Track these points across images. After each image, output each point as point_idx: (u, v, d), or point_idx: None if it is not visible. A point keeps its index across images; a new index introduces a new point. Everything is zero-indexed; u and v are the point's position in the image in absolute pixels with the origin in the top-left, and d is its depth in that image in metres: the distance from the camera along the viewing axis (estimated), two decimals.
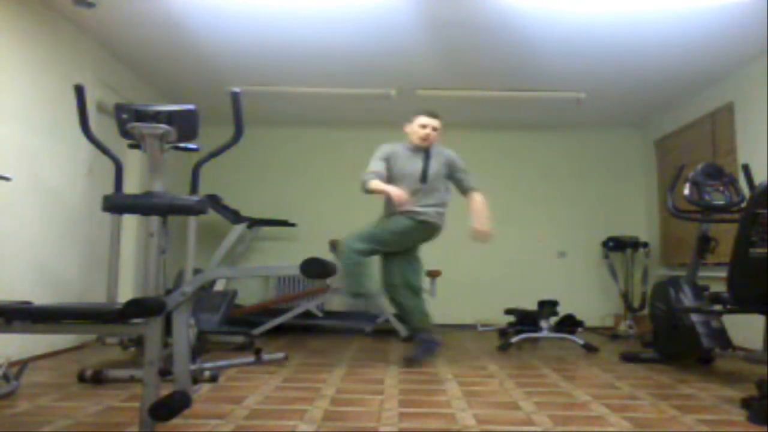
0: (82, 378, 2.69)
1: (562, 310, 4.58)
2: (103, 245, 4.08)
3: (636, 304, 5.48)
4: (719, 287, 3.01)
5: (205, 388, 2.63)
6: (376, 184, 3.42)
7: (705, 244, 3.46)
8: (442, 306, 5.66)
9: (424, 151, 3.56)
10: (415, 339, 3.55)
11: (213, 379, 2.67)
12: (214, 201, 5.02)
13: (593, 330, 5.52)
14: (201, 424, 2.01)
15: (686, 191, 3.45)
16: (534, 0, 3.42)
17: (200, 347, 3.60)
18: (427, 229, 3.54)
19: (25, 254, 3.34)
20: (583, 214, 6.03)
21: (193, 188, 3.01)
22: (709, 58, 4.23)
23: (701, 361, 3.47)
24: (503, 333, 4.78)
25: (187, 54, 4.31)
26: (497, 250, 5.97)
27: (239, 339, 3.92)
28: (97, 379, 2.67)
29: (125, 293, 4.40)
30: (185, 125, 2.48)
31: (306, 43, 4.07)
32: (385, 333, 4.99)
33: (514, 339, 4.18)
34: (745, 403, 2.30)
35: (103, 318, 1.79)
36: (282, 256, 5.95)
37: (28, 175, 3.35)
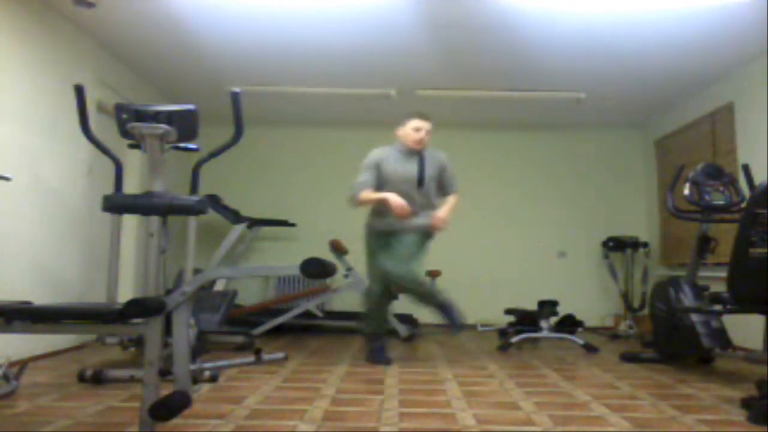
0: (82, 378, 2.69)
1: (562, 310, 4.58)
2: (103, 245, 4.08)
3: (636, 304, 5.48)
4: (719, 287, 3.01)
5: (205, 388, 2.63)
6: (366, 194, 3.43)
7: (705, 244, 3.46)
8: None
9: (417, 154, 3.55)
10: (437, 310, 3.48)
11: (213, 379, 2.67)
12: (214, 201, 5.02)
13: (593, 330, 5.52)
14: (201, 424, 2.01)
15: (686, 191, 3.45)
16: (534, 0, 3.43)
17: (200, 347, 3.59)
18: (425, 233, 3.57)
19: (25, 254, 3.34)
20: (583, 214, 6.03)
21: (193, 188, 3.00)
22: (709, 58, 4.23)
23: (701, 361, 3.47)
24: (503, 333, 4.78)
25: (187, 54, 4.32)
26: (497, 250, 5.98)
27: (239, 339, 3.92)
28: (97, 379, 2.67)
29: (125, 293, 4.40)
30: (185, 125, 2.48)
31: (306, 43, 4.07)
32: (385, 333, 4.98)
33: (514, 339, 4.18)
34: (745, 403, 2.30)
35: (103, 318, 1.79)
36: (282, 256, 5.95)
37: (28, 175, 3.35)
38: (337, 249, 4.85)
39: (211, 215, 5.32)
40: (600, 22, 3.68)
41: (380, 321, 3.59)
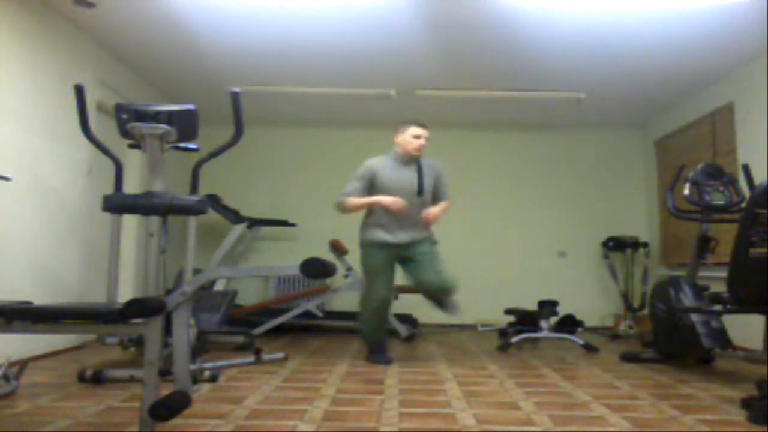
0: (82, 378, 2.69)
1: (562, 310, 4.58)
2: (103, 245, 4.08)
3: (636, 304, 5.48)
4: (719, 287, 3.01)
5: (205, 388, 2.63)
6: (353, 201, 3.43)
7: (705, 244, 3.46)
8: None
9: (414, 162, 3.54)
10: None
11: (213, 379, 2.66)
12: (214, 201, 5.02)
13: (593, 330, 5.52)
14: (201, 424, 2.01)
15: (686, 191, 3.45)
16: (534, 0, 3.43)
17: (200, 347, 3.60)
18: (432, 240, 3.65)
19: (25, 254, 3.34)
20: (583, 214, 6.03)
21: (193, 188, 3.00)
22: (709, 58, 4.23)
23: (701, 361, 3.47)
24: (503, 333, 4.78)
25: (187, 54, 4.32)
26: (497, 250, 5.98)
27: (239, 339, 3.91)
28: (97, 379, 2.67)
29: (125, 293, 4.40)
30: (185, 125, 2.48)
31: (306, 43, 4.07)
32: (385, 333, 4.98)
33: (514, 339, 4.18)
34: (745, 403, 2.30)
35: (103, 318, 1.79)
36: (282, 256, 5.95)
37: (28, 175, 3.35)
38: (337, 249, 4.85)
39: (211, 215, 5.33)
40: (600, 22, 3.68)
41: (381, 326, 3.58)
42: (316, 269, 1.73)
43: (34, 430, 1.90)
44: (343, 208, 3.47)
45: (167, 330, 2.18)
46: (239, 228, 5.15)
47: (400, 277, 3.64)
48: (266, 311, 4.99)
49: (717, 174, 3.50)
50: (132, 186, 4.54)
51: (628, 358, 3.66)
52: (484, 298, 5.80)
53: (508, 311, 4.76)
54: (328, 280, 5.51)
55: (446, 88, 4.95)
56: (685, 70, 4.48)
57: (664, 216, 5.51)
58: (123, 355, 3.54)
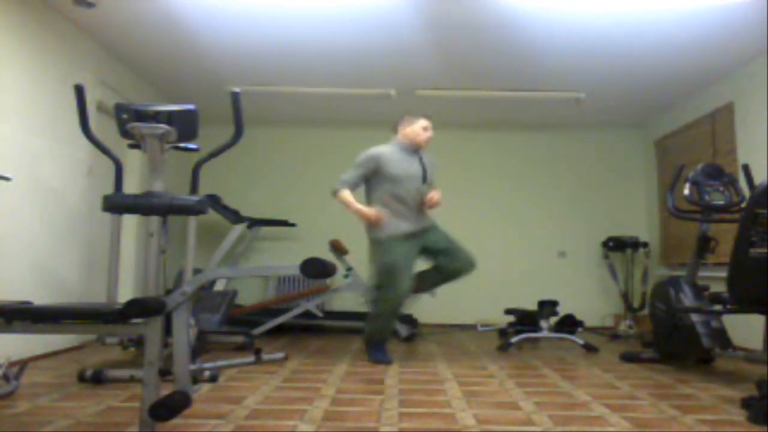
0: (82, 378, 2.69)
1: (562, 310, 4.58)
2: (103, 245, 4.08)
3: (636, 304, 5.48)
4: (719, 287, 3.02)
5: (205, 388, 2.63)
6: (347, 195, 3.47)
7: (705, 244, 3.46)
8: (442, 306, 5.67)
9: (416, 153, 3.62)
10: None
11: (213, 379, 2.67)
12: (214, 201, 5.02)
13: (593, 330, 5.52)
14: (201, 424, 2.01)
15: (686, 191, 3.45)
16: (534, 0, 3.43)
17: (200, 347, 3.60)
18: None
19: (25, 254, 3.34)
20: (583, 214, 6.03)
21: (193, 188, 3.00)
22: (709, 58, 4.23)
23: (701, 361, 3.47)
24: (503, 333, 4.78)
25: (187, 54, 4.32)
26: (497, 250, 5.97)
27: (239, 339, 3.91)
28: (97, 379, 2.67)
29: (125, 293, 4.40)
30: (185, 125, 2.48)
31: (306, 43, 4.07)
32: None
33: (514, 339, 4.18)
34: (745, 403, 2.30)
35: (103, 318, 1.79)
36: (282, 256, 5.95)
37: (28, 175, 3.35)
38: (337, 249, 4.85)
39: (211, 215, 5.33)
40: (600, 22, 3.68)
41: (392, 322, 3.58)
42: (316, 269, 1.73)
43: (34, 430, 1.90)
44: (338, 197, 3.51)
45: (167, 330, 2.18)
46: (239, 228, 5.15)
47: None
48: (266, 311, 4.98)
49: (717, 174, 3.50)
50: (132, 186, 4.54)
51: (628, 358, 3.66)
52: (484, 298, 5.80)
53: (508, 311, 4.76)
54: (328, 280, 5.51)
55: (446, 88, 4.95)
56: (685, 70, 4.48)
57: (664, 216, 5.51)
58: (123, 355, 3.54)
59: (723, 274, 2.58)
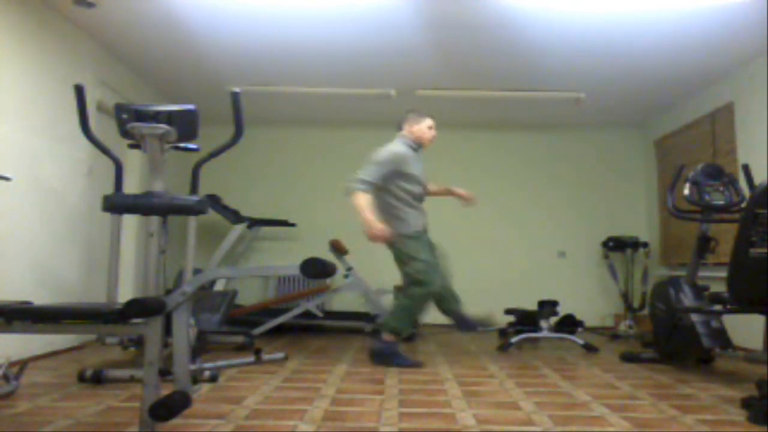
0: (82, 378, 2.69)
1: (562, 310, 4.57)
2: (103, 245, 4.08)
3: (636, 304, 5.48)
4: (719, 287, 3.01)
5: (205, 388, 2.63)
6: (364, 201, 3.33)
7: (705, 244, 3.46)
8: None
9: (420, 151, 3.65)
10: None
11: (213, 379, 2.66)
12: (214, 201, 5.02)
13: (593, 330, 5.52)
14: (201, 424, 2.01)
15: (686, 191, 3.45)
16: (534, 0, 3.42)
17: (200, 347, 3.59)
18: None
19: (25, 254, 3.34)
20: (583, 214, 6.03)
21: (193, 188, 3.00)
22: (709, 58, 4.22)
23: (701, 361, 3.47)
24: (503, 333, 4.78)
25: (187, 54, 4.31)
26: (497, 250, 5.97)
27: (239, 339, 3.92)
28: (97, 379, 2.67)
29: (125, 293, 4.40)
30: (185, 125, 2.48)
31: (306, 43, 4.07)
32: None
33: (514, 339, 4.18)
34: (745, 403, 2.30)
35: (103, 318, 1.79)
36: (282, 256, 5.95)
37: (28, 175, 3.35)
38: (337, 249, 4.85)
39: (211, 215, 5.33)
40: (600, 22, 3.68)
41: (415, 320, 3.58)
42: (316, 269, 1.73)
43: (34, 430, 1.90)
44: (352, 198, 3.36)
45: (167, 330, 2.18)
46: (239, 228, 5.15)
47: (398, 278, 3.64)
48: (266, 311, 4.98)
49: (717, 174, 3.50)
50: (132, 186, 4.54)
51: (628, 358, 3.65)
52: (484, 298, 5.79)
53: (508, 311, 4.76)
54: (328, 280, 5.51)
55: (446, 88, 4.95)
56: (685, 70, 4.48)
57: (664, 216, 5.51)
58: (123, 355, 3.54)
59: (723, 274, 2.57)
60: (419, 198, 3.56)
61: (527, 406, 2.37)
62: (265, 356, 3.28)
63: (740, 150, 4.35)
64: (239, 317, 4.82)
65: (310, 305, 4.95)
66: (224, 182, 5.88)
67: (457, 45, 4.08)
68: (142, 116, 2.44)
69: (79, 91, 2.69)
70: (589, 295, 5.87)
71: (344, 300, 5.69)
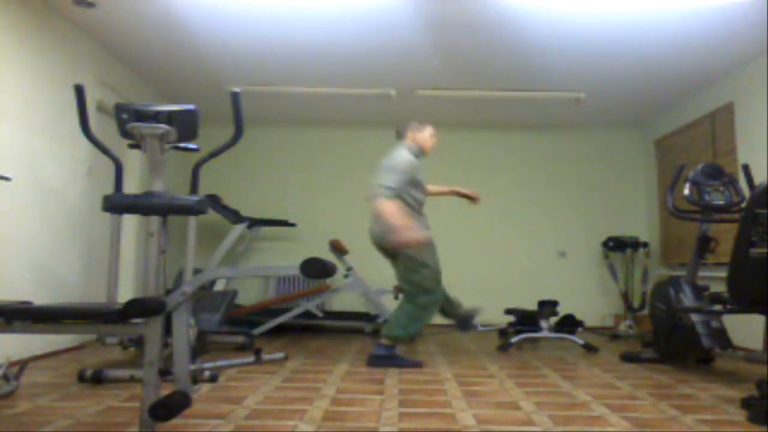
0: (82, 378, 2.69)
1: (562, 310, 4.57)
2: (103, 245, 4.08)
3: (636, 304, 5.48)
4: (719, 287, 3.01)
5: (205, 388, 2.63)
6: (395, 208, 3.25)
7: (705, 244, 3.46)
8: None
9: (422, 158, 3.64)
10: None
11: (213, 379, 2.67)
12: (214, 201, 5.02)
13: (593, 330, 5.52)
14: (201, 424, 2.01)
15: (686, 191, 3.45)
16: (534, 0, 3.42)
17: (200, 347, 3.60)
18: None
19: (25, 254, 3.34)
20: (583, 214, 6.03)
21: (193, 188, 3.00)
22: (709, 58, 4.23)
23: (701, 361, 3.47)
24: (503, 333, 4.78)
25: (187, 54, 4.32)
26: (497, 250, 5.97)
27: (239, 339, 3.91)
28: (97, 379, 2.67)
29: (125, 293, 4.40)
30: (185, 125, 2.48)
31: (306, 43, 4.07)
32: None
33: (514, 339, 4.18)
34: (745, 403, 2.30)
35: (103, 318, 1.79)
36: (282, 256, 5.95)
37: (28, 175, 3.35)
38: (337, 249, 4.85)
39: (211, 215, 5.33)
40: (600, 22, 3.68)
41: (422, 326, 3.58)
42: (316, 269, 1.73)
43: (34, 430, 1.90)
44: (379, 205, 3.27)
45: (167, 330, 2.18)
46: (239, 228, 5.15)
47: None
48: (266, 311, 4.99)
49: (717, 174, 3.50)
50: (132, 186, 4.54)
51: (628, 358, 3.65)
52: (484, 298, 5.79)
53: (508, 311, 4.76)
54: (328, 280, 5.51)
55: (446, 88, 4.95)
56: (685, 70, 4.48)
57: (664, 216, 5.51)
58: (123, 355, 3.54)
59: (723, 274, 2.57)
60: (423, 205, 3.58)
61: (527, 406, 2.37)
62: (265, 356, 3.28)
63: (740, 150, 4.35)
64: (239, 317, 4.82)
65: (310, 305, 4.96)
66: (224, 182, 5.88)
67: (457, 45, 4.08)
68: (142, 116, 2.44)
69: (79, 91, 2.69)
70: (589, 295, 5.87)
71: (344, 300, 5.69)
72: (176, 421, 2.01)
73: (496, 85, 4.88)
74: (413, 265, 3.41)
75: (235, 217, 5.20)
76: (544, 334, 4.25)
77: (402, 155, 3.45)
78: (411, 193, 3.46)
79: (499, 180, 6.09)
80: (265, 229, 5.78)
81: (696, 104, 5.04)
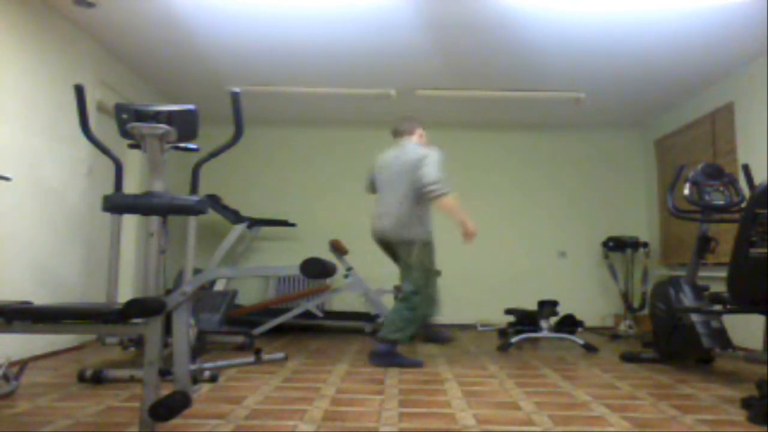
0: (82, 378, 2.69)
1: (562, 310, 4.58)
2: (103, 245, 4.08)
3: (636, 304, 5.48)
4: (719, 287, 3.01)
5: (205, 388, 2.63)
6: (455, 201, 3.40)
7: (705, 244, 3.46)
8: (442, 306, 5.66)
9: None
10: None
11: (213, 379, 2.66)
12: (214, 201, 5.02)
13: (593, 330, 5.52)
14: (201, 424, 2.01)
15: (686, 191, 3.45)
16: (534, 0, 3.42)
17: (200, 347, 3.60)
18: None
19: (25, 254, 3.34)
20: (583, 214, 6.03)
21: (193, 188, 3.00)
22: (709, 58, 4.22)
23: (701, 361, 3.47)
24: (503, 333, 4.78)
25: (187, 54, 4.31)
26: (497, 250, 5.97)
27: (239, 339, 3.91)
28: (97, 379, 2.67)
29: (125, 293, 4.40)
30: (185, 125, 2.48)
31: (306, 43, 4.07)
32: None
33: (514, 339, 4.18)
34: (745, 403, 2.30)
35: (103, 318, 1.79)
36: (282, 256, 5.95)
37: (28, 175, 3.35)
38: (337, 249, 4.85)
39: (211, 215, 5.33)
40: (600, 22, 3.68)
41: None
42: (316, 269, 1.73)
43: (34, 430, 1.90)
44: (445, 201, 3.39)
45: (167, 330, 2.18)
46: (239, 228, 5.15)
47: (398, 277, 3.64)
48: (266, 311, 4.99)
49: (717, 174, 3.50)
50: (132, 186, 4.54)
51: (628, 358, 3.65)
52: (484, 298, 5.80)
53: (508, 311, 4.76)
54: (328, 280, 5.51)
55: (446, 88, 4.95)
56: (685, 70, 4.48)
57: (664, 216, 5.51)
58: (123, 355, 3.54)
59: (723, 274, 2.57)
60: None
61: (527, 406, 2.37)
62: (265, 356, 3.27)
63: (740, 150, 4.35)
64: (239, 317, 4.82)
65: (310, 305, 4.95)
66: (224, 182, 5.87)
67: (457, 45, 4.08)
68: (142, 116, 2.44)
69: (79, 91, 2.69)
70: (589, 295, 5.87)
71: (344, 300, 5.69)
72: (176, 421, 2.01)
73: (496, 85, 4.88)
74: (419, 265, 3.46)
75: (235, 217, 5.20)
76: (544, 334, 4.25)
77: (431, 152, 3.50)
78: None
79: (499, 180, 6.09)
80: (265, 229, 5.77)
81: (696, 104, 5.04)
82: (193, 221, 3.17)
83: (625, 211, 6.03)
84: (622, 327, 5.29)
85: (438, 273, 3.71)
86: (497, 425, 2.06)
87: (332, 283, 5.57)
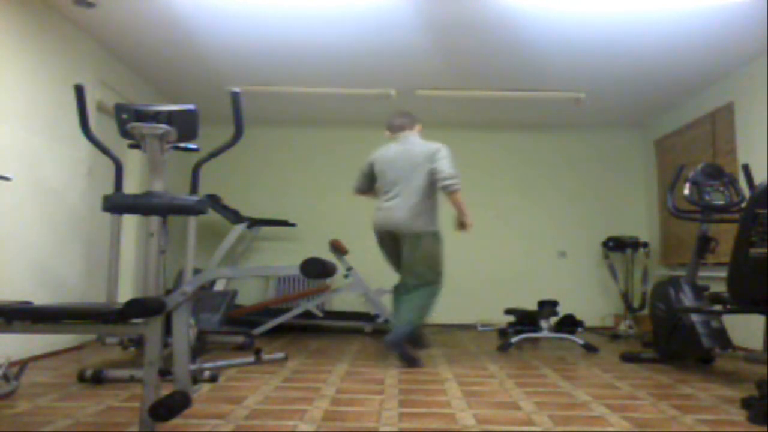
0: (82, 378, 2.69)
1: (562, 310, 4.58)
2: (103, 245, 4.08)
3: (636, 304, 5.48)
4: (719, 287, 3.02)
5: (205, 388, 2.63)
6: (461, 196, 3.51)
7: (705, 244, 3.46)
8: (442, 306, 5.66)
9: None
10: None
11: (213, 379, 2.67)
12: (214, 201, 5.02)
13: (593, 330, 5.52)
14: (201, 424, 2.01)
15: (686, 191, 3.45)
16: (534, 0, 3.42)
17: (200, 347, 3.60)
18: None
19: (26, 254, 3.34)
20: (583, 214, 6.03)
21: (193, 188, 3.00)
22: (709, 58, 4.23)
23: (701, 361, 3.47)
24: (503, 333, 4.78)
25: (187, 54, 4.31)
26: (497, 250, 5.97)
27: (239, 339, 3.92)
28: (97, 379, 2.67)
29: (125, 293, 4.40)
30: (185, 125, 2.48)
31: (306, 43, 4.07)
32: (385, 333, 4.97)
33: (514, 339, 4.18)
34: (745, 403, 2.30)
35: (103, 318, 1.79)
36: (282, 256, 5.95)
37: (28, 175, 3.35)
38: (337, 249, 4.85)
39: (211, 215, 5.33)
40: (600, 22, 3.68)
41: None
42: (316, 269, 1.73)
43: (34, 430, 1.90)
44: (459, 197, 3.52)
45: (167, 330, 2.18)
46: (239, 228, 5.15)
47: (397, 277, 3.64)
48: (266, 311, 4.99)
49: (717, 174, 3.50)
50: (132, 186, 4.54)
51: (628, 358, 3.66)
52: (484, 298, 5.80)
53: (508, 311, 4.76)
54: (328, 280, 5.51)
55: (446, 88, 4.95)
56: (685, 70, 4.48)
57: (664, 216, 5.51)
58: (123, 355, 3.54)
59: (723, 274, 2.58)
60: None
61: (527, 406, 2.37)
62: (265, 356, 3.28)
63: (740, 150, 4.36)
64: (239, 317, 4.82)
65: (310, 305, 4.95)
66: (224, 182, 5.88)
67: (457, 45, 4.08)
68: (142, 116, 2.44)
69: (79, 91, 2.69)
70: (589, 295, 5.87)
71: (344, 300, 5.69)
72: (176, 421, 2.01)
73: (496, 85, 4.88)
74: (435, 257, 3.53)
75: (235, 217, 5.20)
76: (544, 334, 4.25)
77: (442, 146, 3.61)
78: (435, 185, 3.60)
79: (499, 180, 6.09)
80: (265, 229, 5.78)
81: (696, 104, 5.04)
82: (193, 221, 3.17)
83: (625, 211, 6.03)
84: (622, 327, 5.29)
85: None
86: (497, 425, 2.06)
87: (332, 283, 5.57)
